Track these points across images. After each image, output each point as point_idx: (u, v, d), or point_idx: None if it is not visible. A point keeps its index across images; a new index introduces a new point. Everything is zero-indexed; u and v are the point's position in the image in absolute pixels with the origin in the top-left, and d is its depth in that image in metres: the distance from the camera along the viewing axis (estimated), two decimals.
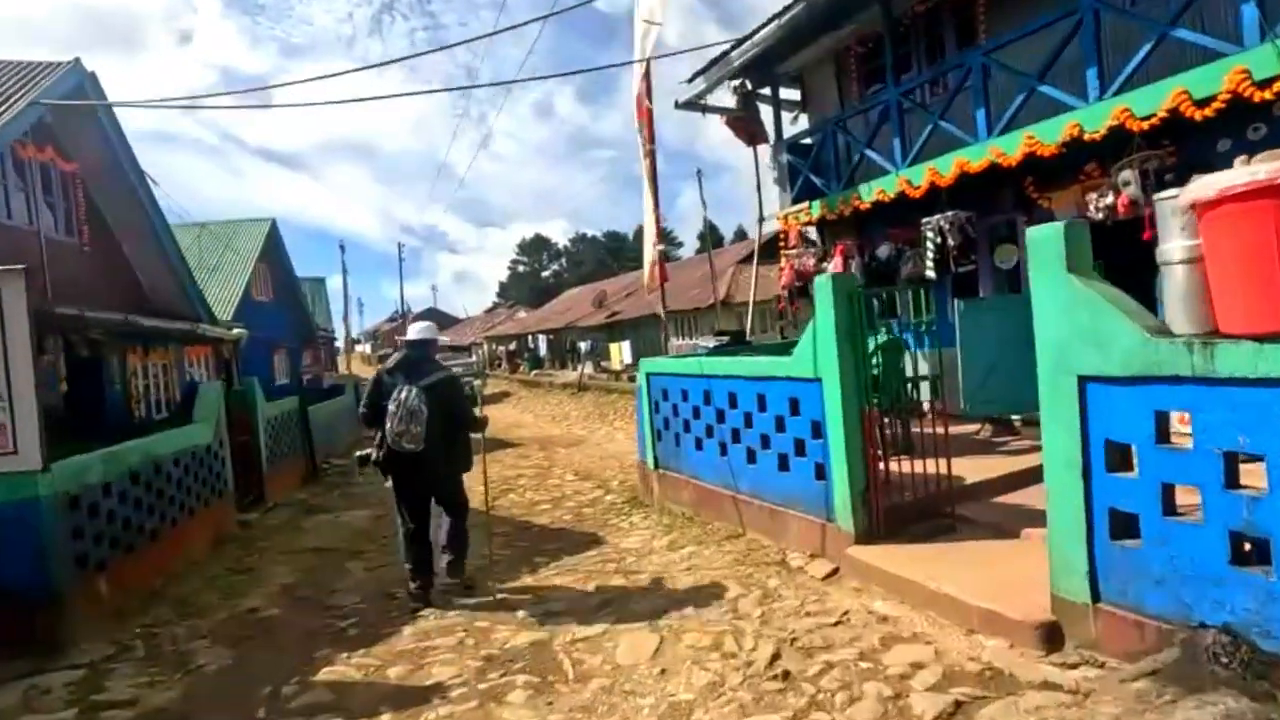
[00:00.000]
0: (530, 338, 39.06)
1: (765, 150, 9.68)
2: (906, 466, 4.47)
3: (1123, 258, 4.92)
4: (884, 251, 7.77)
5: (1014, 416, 6.58)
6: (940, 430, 4.41)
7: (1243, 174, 2.30)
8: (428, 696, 3.34)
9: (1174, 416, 2.77)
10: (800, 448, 4.72)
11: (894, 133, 7.33)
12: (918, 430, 4.67)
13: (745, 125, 9.53)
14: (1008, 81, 6.20)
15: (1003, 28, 6.48)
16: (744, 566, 4.69)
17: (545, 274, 70.02)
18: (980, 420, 6.61)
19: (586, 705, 3.13)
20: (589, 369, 25.85)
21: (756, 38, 7.96)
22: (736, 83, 9.15)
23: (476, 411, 4.93)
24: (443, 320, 62.73)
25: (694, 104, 9.56)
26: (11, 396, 4.02)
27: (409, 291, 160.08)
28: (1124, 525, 2.87)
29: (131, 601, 4.90)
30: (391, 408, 4.34)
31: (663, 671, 3.36)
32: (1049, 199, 6.36)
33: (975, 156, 6.28)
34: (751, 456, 5.24)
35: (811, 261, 8.72)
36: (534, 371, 33.31)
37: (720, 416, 5.60)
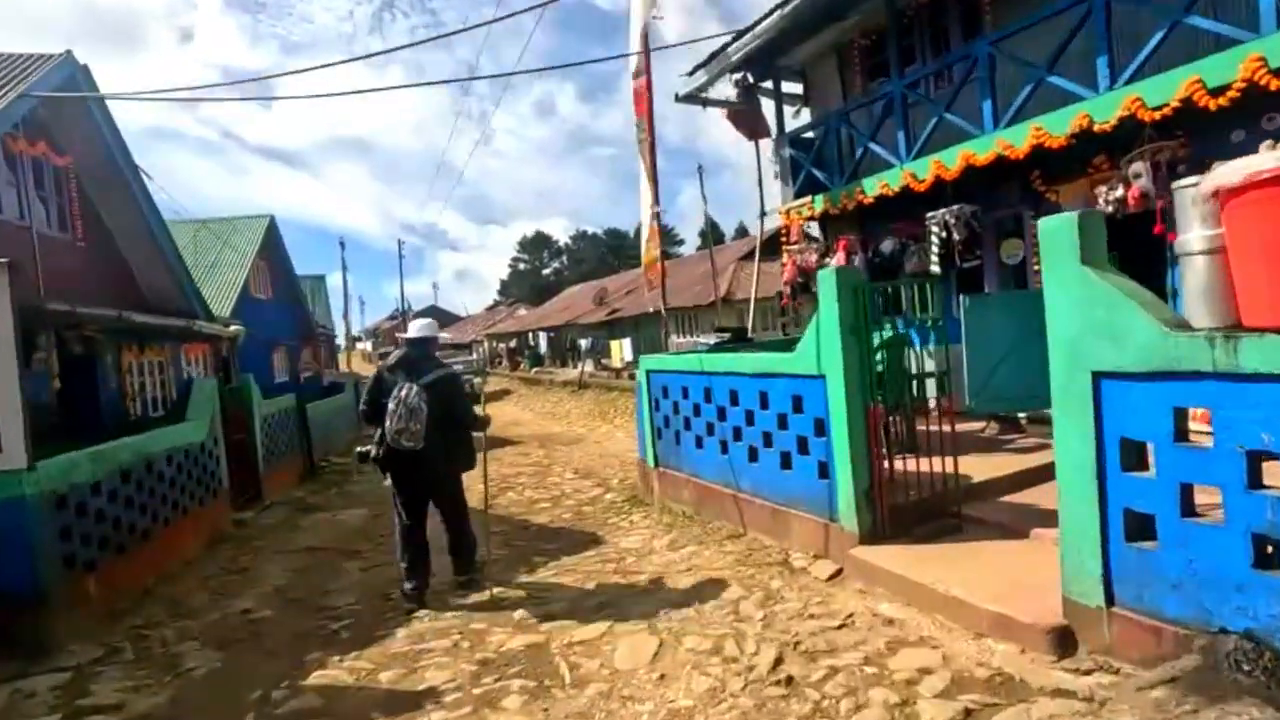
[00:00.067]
0: (531, 335, 38.98)
1: (767, 145, 9.57)
2: (911, 465, 4.37)
3: (1133, 252, 4.82)
4: (888, 247, 7.66)
5: (1020, 414, 6.48)
6: (946, 428, 4.30)
7: (1271, 159, 2.19)
8: (420, 702, 3.25)
9: (1191, 413, 2.67)
10: (803, 446, 4.62)
11: (898, 125, 7.21)
12: (923, 428, 4.57)
13: (746, 119, 9.42)
14: (1015, 72, 6.08)
15: (1009, 17, 6.36)
16: (745, 567, 4.59)
17: (546, 271, 69.90)
18: (986, 418, 6.50)
19: (583, 712, 3.03)
20: (589, 367, 25.76)
21: (758, 29, 7.84)
22: (738, 76, 9.03)
23: (478, 410, 4.84)
24: (444, 318, 62.70)
25: (694, 98, 9.45)
26: None
27: (410, 289, 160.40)
28: (1140, 526, 2.77)
29: (122, 602, 4.82)
30: (391, 405, 4.30)
31: (662, 676, 3.26)
32: (1056, 192, 6.24)
33: (981, 149, 6.16)
34: (753, 455, 5.14)
35: (814, 257, 8.61)
36: (534, 369, 33.23)
37: (721, 414, 5.50)
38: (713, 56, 8.81)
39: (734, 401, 5.32)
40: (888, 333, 5.21)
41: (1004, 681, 2.88)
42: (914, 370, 5.04)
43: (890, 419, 4.75)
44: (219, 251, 15.75)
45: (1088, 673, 2.82)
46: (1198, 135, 5.00)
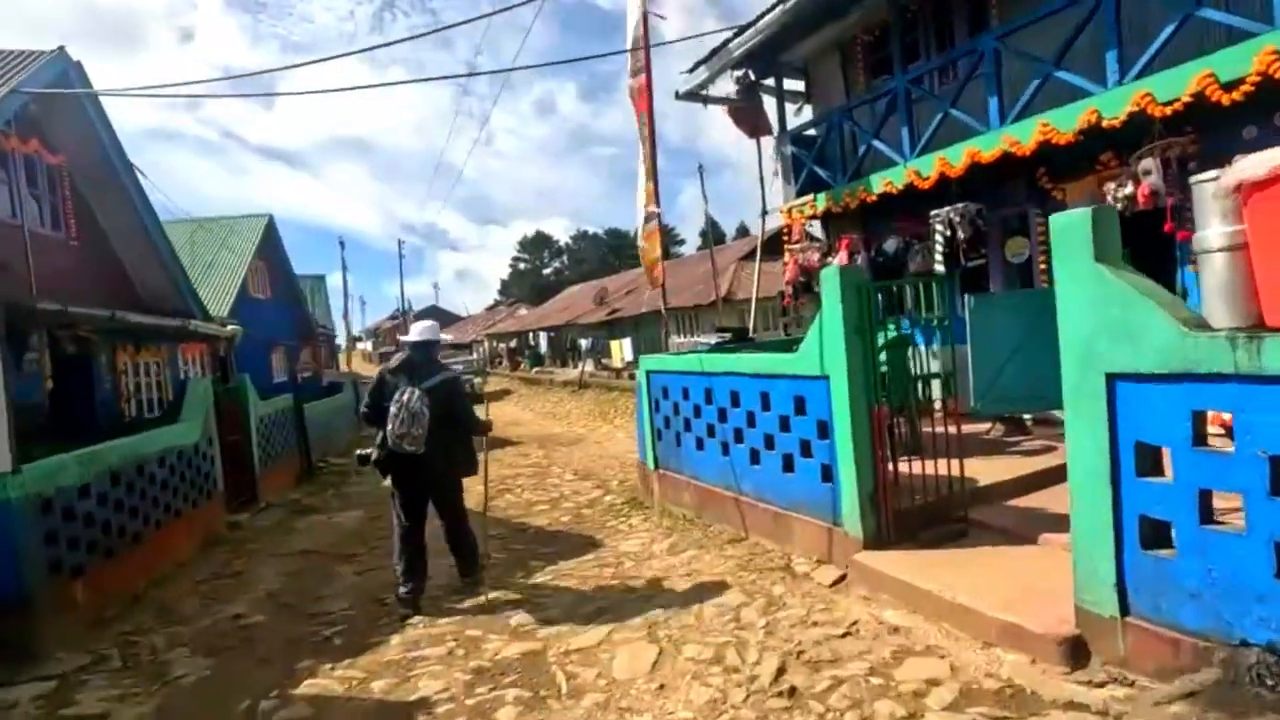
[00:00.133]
0: (531, 335, 38.90)
1: (768, 143, 9.47)
2: (916, 468, 4.27)
3: (1142, 250, 4.72)
4: (891, 245, 7.55)
5: (1026, 415, 6.38)
6: (952, 430, 4.20)
7: None
8: (411, 713, 3.16)
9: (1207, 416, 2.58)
10: (806, 448, 4.53)
11: (902, 122, 7.11)
12: (928, 430, 4.47)
13: (748, 117, 9.32)
14: (1021, 67, 5.98)
15: (1015, 12, 6.25)
16: (747, 572, 4.50)
17: (546, 271, 69.77)
18: (991, 419, 6.40)
19: None
20: (590, 366, 25.68)
21: (759, 25, 7.74)
22: (739, 73, 8.93)
23: (480, 413, 4.78)
24: (444, 318, 62.63)
25: (695, 95, 9.35)
26: None
27: (411, 289, 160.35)
28: (1155, 534, 2.68)
29: (111, 607, 4.74)
30: (393, 409, 4.28)
31: (661, 687, 3.17)
32: (1063, 190, 6.13)
33: (987, 146, 6.05)
34: (755, 457, 5.05)
35: (816, 256, 8.50)
36: (535, 369, 33.16)
37: (722, 415, 5.41)
38: (713, 53, 8.71)
39: (735, 403, 5.22)
40: (891, 333, 5.11)
41: (1014, 694, 2.78)
42: (918, 371, 4.95)
43: (894, 421, 4.66)
44: (217, 251, 15.66)
45: (1101, 685, 2.72)
46: (1208, 131, 4.90)
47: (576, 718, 2.99)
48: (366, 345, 66.20)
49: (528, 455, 11.57)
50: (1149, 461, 2.68)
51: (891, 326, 5.41)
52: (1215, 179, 2.44)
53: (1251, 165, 2.21)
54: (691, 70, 9.12)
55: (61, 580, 4.30)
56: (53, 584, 4.21)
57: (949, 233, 6.64)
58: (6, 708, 3.45)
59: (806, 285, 8.63)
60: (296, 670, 3.72)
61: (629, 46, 6.93)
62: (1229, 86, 4.31)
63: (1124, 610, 2.74)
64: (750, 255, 20.48)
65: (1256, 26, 4.35)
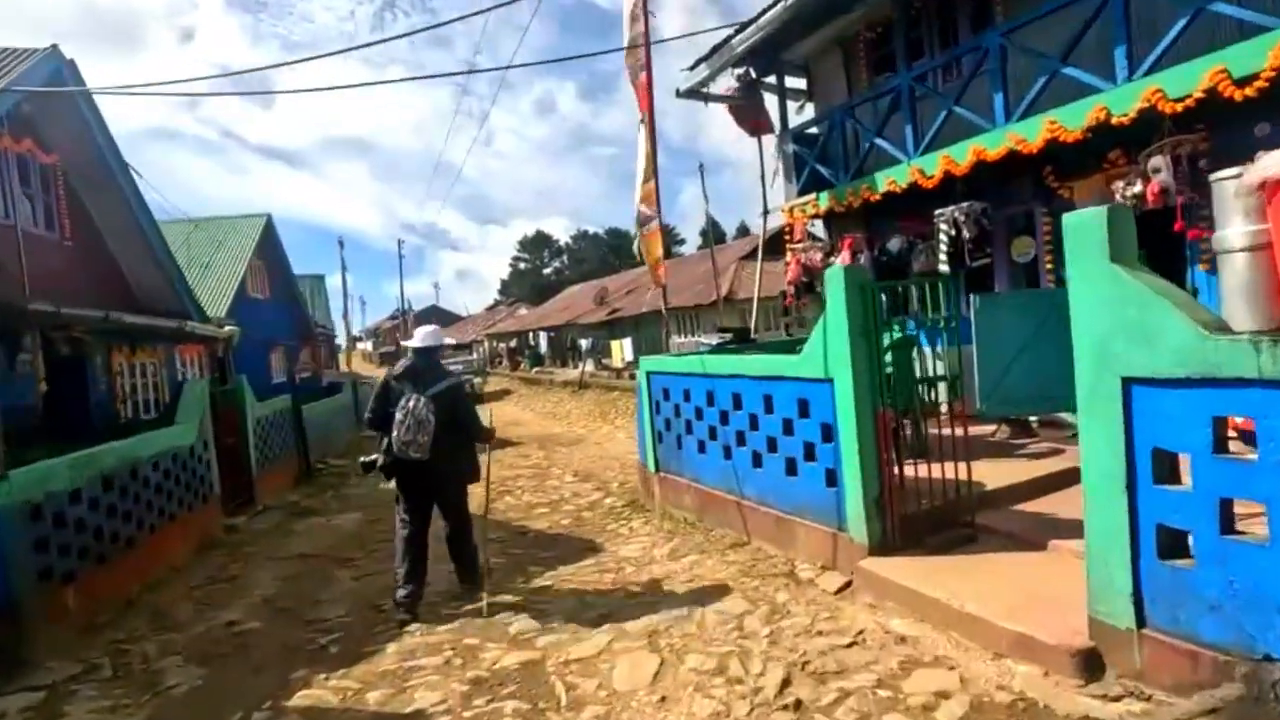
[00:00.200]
0: (531, 335, 38.83)
1: (770, 141, 9.39)
2: (921, 471, 4.19)
3: (1152, 250, 4.63)
4: (895, 245, 7.47)
5: (1032, 417, 6.30)
6: (959, 431, 4.12)
7: None
8: None
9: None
10: (810, 452, 4.44)
11: (906, 120, 7.02)
12: (933, 432, 4.39)
13: (749, 115, 9.24)
14: (1028, 64, 5.89)
15: (1021, 7, 6.15)
16: (750, 579, 4.41)
17: (547, 271, 69.66)
18: (996, 421, 6.32)
19: None
20: (590, 367, 25.61)
21: (761, 21, 7.65)
22: (740, 70, 8.85)
23: (483, 415, 4.74)
24: (444, 317, 62.58)
25: (696, 92, 9.26)
26: None
27: (411, 289, 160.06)
28: (1173, 543, 2.59)
29: (103, 614, 4.66)
30: (399, 416, 4.28)
31: (663, 699, 3.09)
32: (1070, 188, 6.04)
33: (993, 144, 5.97)
34: (757, 460, 4.97)
35: (818, 256, 8.42)
36: (535, 369, 33.10)
37: (724, 418, 5.33)
38: (714, 50, 8.62)
39: (737, 405, 5.14)
40: (896, 334, 5.03)
41: (1027, 708, 2.70)
42: (922, 373, 4.87)
43: (899, 423, 4.57)
44: (214, 252, 15.58)
45: (1117, 699, 2.64)
46: (1219, 128, 4.81)
47: None
48: (366, 345, 66.16)
49: (528, 456, 11.49)
50: (1166, 468, 2.60)
51: (896, 327, 5.34)
52: (1237, 176, 2.35)
53: (1275, 162, 2.13)
54: (692, 68, 9.03)
55: (52, 587, 4.22)
56: (42, 591, 4.13)
57: (954, 232, 6.55)
58: None
59: (809, 285, 8.55)
60: (291, 680, 3.64)
61: (625, 44, 6.84)
62: (1242, 82, 4.22)
63: (1140, 622, 2.66)
64: (751, 255, 20.40)
65: (1270, 21, 4.27)
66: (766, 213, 9.82)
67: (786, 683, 3.07)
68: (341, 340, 37.54)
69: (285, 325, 19.38)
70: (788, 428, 4.62)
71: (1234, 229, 2.43)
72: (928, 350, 5.06)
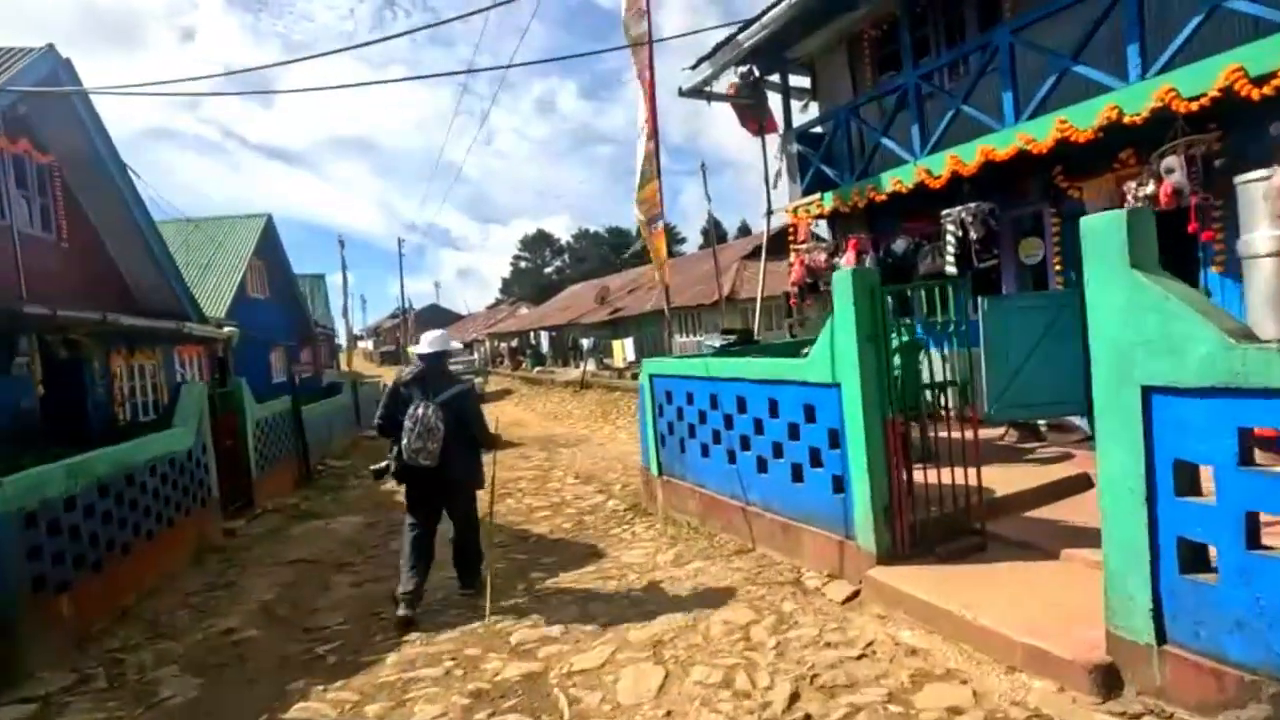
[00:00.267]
0: (532, 334, 38.75)
1: (774, 140, 9.29)
2: (931, 477, 4.10)
3: (1164, 252, 4.54)
4: (900, 246, 7.38)
5: (1040, 421, 6.22)
6: (969, 436, 4.03)
7: None
8: None
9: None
10: (816, 458, 4.36)
11: (912, 119, 6.93)
12: (942, 436, 4.30)
13: (752, 114, 9.15)
14: (1037, 62, 5.80)
15: (1030, 4, 6.06)
16: (755, 586, 4.34)
17: (548, 270, 69.55)
18: (1004, 425, 6.24)
19: None
20: (591, 366, 25.54)
21: (765, 19, 7.56)
22: (743, 69, 8.75)
23: (488, 418, 4.73)
24: (445, 316, 62.56)
25: (698, 91, 9.17)
26: None
27: (412, 288, 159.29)
28: (1195, 557, 2.52)
29: (99, 622, 4.59)
30: (408, 424, 4.30)
31: (668, 713, 3.01)
32: (1079, 189, 5.95)
33: (1002, 143, 5.87)
34: (762, 465, 4.89)
35: (823, 257, 8.33)
36: (536, 369, 33.02)
37: (728, 422, 5.25)
38: (718, 49, 8.53)
39: (742, 409, 5.06)
40: (904, 337, 4.95)
41: None
42: (931, 376, 4.78)
43: (907, 428, 4.49)
44: (214, 252, 15.51)
45: (1137, 717, 2.57)
46: (1233, 128, 4.71)
47: None
48: (367, 344, 66.15)
49: (529, 458, 11.41)
50: (1188, 480, 2.52)
51: (904, 330, 5.26)
52: (1266, 179, 2.27)
53: None
54: (695, 66, 8.94)
55: (45, 597, 4.14)
56: (36, 601, 4.05)
57: (961, 233, 6.46)
58: None
59: (813, 286, 8.46)
60: (288, 692, 3.57)
61: (626, 43, 6.76)
62: (1259, 81, 4.12)
63: (1160, 637, 2.58)
64: (752, 254, 20.31)
65: None
66: (770, 213, 9.73)
67: (795, 697, 3.00)
68: (342, 339, 37.50)
69: (285, 325, 19.33)
70: (793, 432, 4.54)
71: (1261, 233, 2.36)
72: (934, 353, 4.97)
